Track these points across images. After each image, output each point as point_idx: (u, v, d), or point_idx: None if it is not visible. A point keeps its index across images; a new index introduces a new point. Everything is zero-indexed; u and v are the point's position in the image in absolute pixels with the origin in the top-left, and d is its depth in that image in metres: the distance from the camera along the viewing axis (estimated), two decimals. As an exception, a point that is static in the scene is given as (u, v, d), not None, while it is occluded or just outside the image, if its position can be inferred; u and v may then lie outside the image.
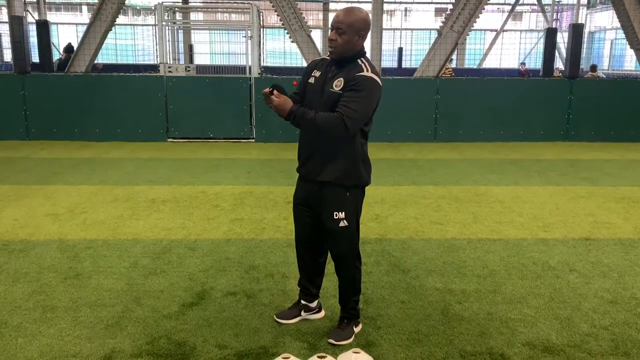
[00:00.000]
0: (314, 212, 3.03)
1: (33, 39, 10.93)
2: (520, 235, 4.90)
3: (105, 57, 19.99)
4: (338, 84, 2.82)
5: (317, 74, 2.94)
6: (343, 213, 2.93)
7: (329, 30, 2.87)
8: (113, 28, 11.09)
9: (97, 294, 3.62)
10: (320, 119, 2.74)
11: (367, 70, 2.80)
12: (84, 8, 27.29)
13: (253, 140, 10.19)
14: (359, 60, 2.84)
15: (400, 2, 25.73)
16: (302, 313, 3.28)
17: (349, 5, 2.91)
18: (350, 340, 3.04)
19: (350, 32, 2.78)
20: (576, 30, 10.62)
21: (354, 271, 3.07)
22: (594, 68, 15.22)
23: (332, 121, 2.73)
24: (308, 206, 3.05)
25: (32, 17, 12.86)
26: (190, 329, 3.17)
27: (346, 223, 2.95)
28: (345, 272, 3.06)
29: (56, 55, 13.86)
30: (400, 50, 22.17)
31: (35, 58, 11.58)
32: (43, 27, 10.44)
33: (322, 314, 3.34)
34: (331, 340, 3.03)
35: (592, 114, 10.31)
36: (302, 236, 3.16)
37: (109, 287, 3.74)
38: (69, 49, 12.41)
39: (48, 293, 3.63)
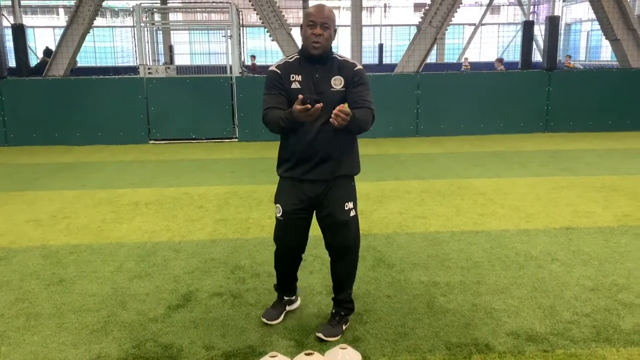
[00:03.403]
0: (320, 210, 2.98)
1: (9, 44, 10.77)
2: (503, 226, 4.96)
3: (83, 59, 19.75)
4: (338, 83, 2.86)
5: (298, 77, 2.87)
6: (352, 203, 3.00)
7: (309, 27, 2.81)
8: (91, 30, 10.97)
9: (81, 300, 3.59)
10: (361, 115, 2.78)
11: (356, 64, 2.92)
12: (61, 11, 26.93)
13: (236, 140, 10.16)
14: (337, 57, 2.91)
15: (380, -2, 25.80)
16: (287, 307, 3.32)
17: (320, 2, 2.93)
18: (338, 337, 3.05)
19: (333, 26, 2.85)
20: (553, 23, 10.75)
21: (357, 258, 3.12)
22: None
23: (367, 115, 2.82)
24: (311, 208, 2.99)
25: (7, 21, 12.64)
26: (177, 331, 3.16)
27: (355, 212, 3.01)
28: (352, 261, 3.07)
29: (33, 60, 13.67)
30: (381, 46, 22.24)
31: (12, 63, 11.41)
32: (19, 31, 10.28)
33: (299, 301, 3.39)
34: (320, 335, 3.03)
35: (570, 105, 10.46)
36: (294, 245, 3.09)
37: (93, 292, 3.71)
38: (47, 52, 12.25)
39: (31, 300, 3.59)
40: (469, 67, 17.53)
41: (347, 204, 2.96)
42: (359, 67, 2.91)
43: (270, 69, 2.97)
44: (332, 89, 2.85)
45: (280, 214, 3.01)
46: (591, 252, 4.30)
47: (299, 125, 2.73)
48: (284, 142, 2.99)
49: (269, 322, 3.20)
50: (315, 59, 2.86)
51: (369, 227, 4.97)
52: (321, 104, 2.58)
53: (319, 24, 2.79)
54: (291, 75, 2.88)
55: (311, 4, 23.19)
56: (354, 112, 2.69)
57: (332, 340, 3.01)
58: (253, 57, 18.68)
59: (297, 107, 2.59)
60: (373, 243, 4.57)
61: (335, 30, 2.87)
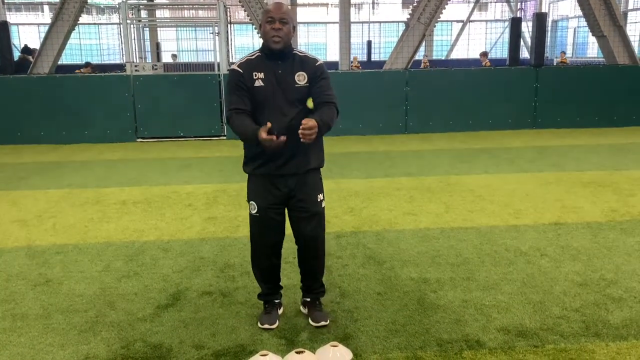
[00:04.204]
0: (292, 203, 3.02)
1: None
2: (492, 222, 4.97)
3: (69, 57, 19.53)
4: (302, 78, 2.90)
5: (261, 75, 2.88)
6: (322, 194, 3.09)
7: (268, 23, 2.85)
8: (76, 27, 10.85)
9: (69, 300, 3.54)
10: (328, 116, 2.84)
11: (317, 59, 2.97)
12: (46, 8, 26.63)
13: (224, 138, 10.11)
14: (298, 52, 2.97)
15: (368, -5, 25.77)
16: (279, 311, 3.28)
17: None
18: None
19: (291, 22, 2.90)
20: (540, 19, 10.81)
21: (324, 246, 3.18)
22: None
23: (333, 113, 2.88)
24: (284, 202, 3.03)
25: (-10, 18, 12.47)
26: (166, 330, 3.13)
27: (324, 203, 3.10)
28: (321, 250, 3.14)
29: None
30: (370, 43, 22.22)
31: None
32: (3, 28, 10.14)
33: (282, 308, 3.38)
34: (322, 323, 3.10)
35: (557, 101, 10.53)
36: (272, 241, 3.12)
37: (81, 292, 3.66)
38: (26, 50, 12.14)
39: (17, 301, 3.54)
40: (427, 64, 17.37)
41: (318, 195, 3.06)
42: (320, 62, 2.98)
43: (231, 67, 2.98)
44: (296, 85, 2.89)
45: (256, 210, 3.05)
46: (579, 247, 4.33)
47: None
48: None
49: (270, 327, 3.13)
50: (277, 54, 2.88)
51: (359, 224, 4.97)
52: (285, 137, 2.67)
53: (278, 19, 2.84)
54: (254, 74, 2.90)
55: (300, 1, 23.14)
56: (319, 118, 2.76)
57: (327, 323, 3.10)
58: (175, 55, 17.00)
59: (263, 135, 2.67)
60: (363, 240, 4.56)
61: (294, 27, 2.92)
